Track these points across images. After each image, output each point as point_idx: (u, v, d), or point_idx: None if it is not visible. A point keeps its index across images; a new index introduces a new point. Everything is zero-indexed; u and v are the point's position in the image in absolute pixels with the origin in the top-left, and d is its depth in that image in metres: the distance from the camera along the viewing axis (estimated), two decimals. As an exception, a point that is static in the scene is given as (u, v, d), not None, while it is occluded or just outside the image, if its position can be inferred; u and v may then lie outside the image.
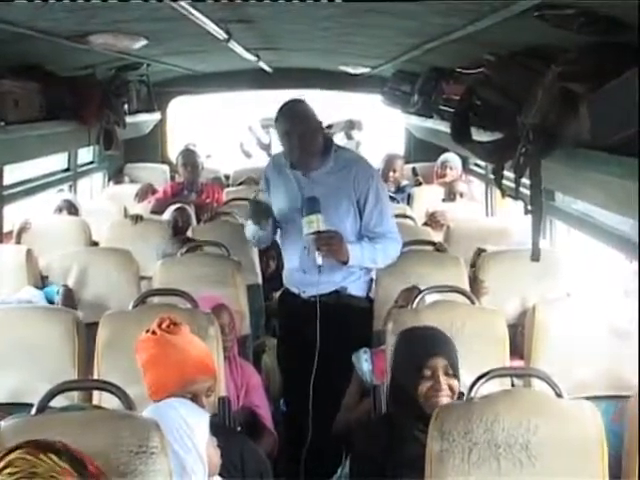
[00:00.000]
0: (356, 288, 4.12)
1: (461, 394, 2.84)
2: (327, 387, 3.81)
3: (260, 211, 4.08)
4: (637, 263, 3.57)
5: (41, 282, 4.62)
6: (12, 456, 1.70)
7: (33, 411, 2.40)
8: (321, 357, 3.85)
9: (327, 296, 4.03)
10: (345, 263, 3.95)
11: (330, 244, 3.86)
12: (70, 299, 4.30)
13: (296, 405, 4.16)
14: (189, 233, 5.26)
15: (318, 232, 3.81)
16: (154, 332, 2.68)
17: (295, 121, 4.00)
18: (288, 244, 4.22)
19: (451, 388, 2.82)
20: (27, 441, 1.76)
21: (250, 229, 4.28)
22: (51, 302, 4.21)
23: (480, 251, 4.47)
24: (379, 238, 4.03)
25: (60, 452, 1.74)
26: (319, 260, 3.84)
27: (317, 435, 3.86)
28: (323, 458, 3.72)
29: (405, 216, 5.66)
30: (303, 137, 3.97)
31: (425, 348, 2.90)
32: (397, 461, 2.69)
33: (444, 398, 2.80)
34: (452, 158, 7.01)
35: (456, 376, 2.84)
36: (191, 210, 5.93)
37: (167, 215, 5.81)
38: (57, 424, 2.21)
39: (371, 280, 4.20)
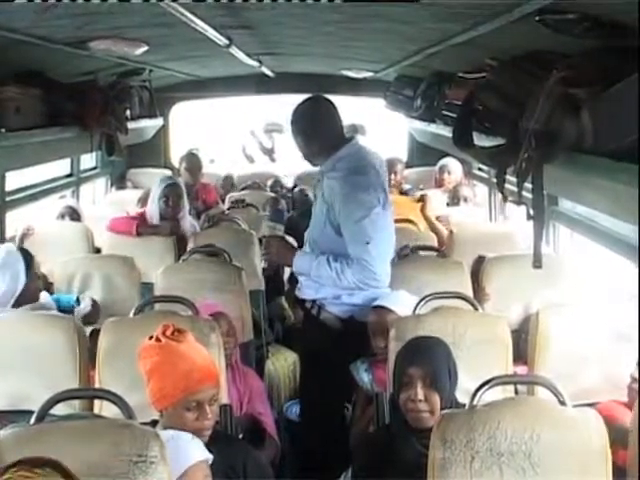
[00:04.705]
0: (334, 306, 3.94)
1: (460, 404, 2.82)
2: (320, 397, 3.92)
3: None
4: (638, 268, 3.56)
5: (44, 289, 4.61)
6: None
7: (32, 420, 2.39)
8: (311, 367, 4.01)
9: (309, 309, 4.00)
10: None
11: (267, 248, 4.08)
12: (97, 313, 4.28)
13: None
14: (191, 241, 5.22)
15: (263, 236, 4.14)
16: (158, 339, 2.64)
17: (292, 121, 3.96)
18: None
19: (429, 401, 2.79)
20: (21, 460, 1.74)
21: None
22: (63, 310, 4.17)
23: (481, 259, 4.44)
24: (348, 260, 3.76)
25: (56, 466, 1.72)
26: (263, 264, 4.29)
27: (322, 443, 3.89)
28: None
29: (408, 221, 5.64)
30: (297, 138, 3.94)
31: (406, 356, 2.90)
32: (397, 471, 2.68)
33: (423, 414, 2.79)
34: (450, 163, 7.02)
35: (437, 389, 2.80)
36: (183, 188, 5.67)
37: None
38: (57, 433, 2.20)
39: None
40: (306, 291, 4.00)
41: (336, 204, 3.79)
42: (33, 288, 3.90)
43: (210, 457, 2.40)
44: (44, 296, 4.14)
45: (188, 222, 5.58)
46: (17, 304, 3.75)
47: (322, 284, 3.87)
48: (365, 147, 3.99)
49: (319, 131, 3.89)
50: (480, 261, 4.41)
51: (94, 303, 4.28)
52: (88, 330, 3.97)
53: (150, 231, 5.32)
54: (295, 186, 8.01)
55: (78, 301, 4.26)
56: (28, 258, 3.90)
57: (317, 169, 4.05)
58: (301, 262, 3.93)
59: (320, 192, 3.96)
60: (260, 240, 5.13)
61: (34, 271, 3.93)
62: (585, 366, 3.30)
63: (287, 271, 5.82)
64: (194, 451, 2.35)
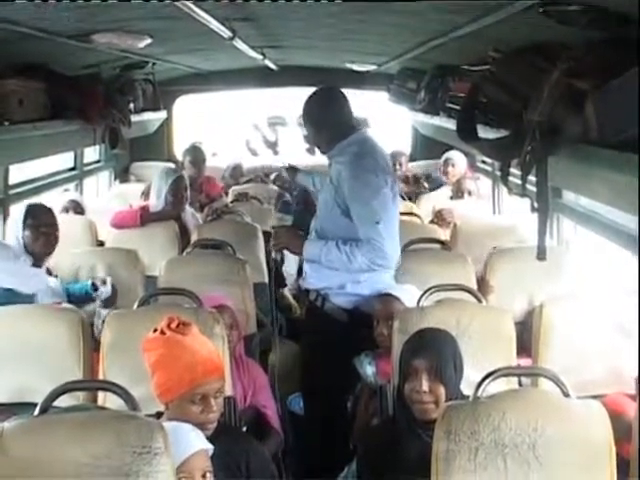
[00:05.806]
0: (339, 297, 3.96)
1: (465, 396, 2.82)
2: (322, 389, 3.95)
3: None
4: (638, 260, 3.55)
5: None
6: None
7: (36, 411, 2.39)
8: (312, 360, 4.00)
9: (314, 300, 4.02)
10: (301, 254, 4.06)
11: (276, 238, 4.08)
12: (116, 296, 4.27)
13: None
14: (194, 234, 5.23)
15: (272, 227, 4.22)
16: (163, 332, 2.63)
17: (303, 110, 4.06)
18: None
19: (434, 392, 2.80)
20: None
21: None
22: (77, 299, 4.18)
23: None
24: (357, 242, 3.77)
25: None
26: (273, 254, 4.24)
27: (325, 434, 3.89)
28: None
29: (412, 214, 5.64)
30: (307, 127, 4.07)
31: (412, 348, 2.90)
32: (401, 463, 2.68)
33: (428, 405, 2.79)
34: (455, 156, 7.02)
35: (442, 381, 2.81)
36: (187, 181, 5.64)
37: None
38: (60, 425, 2.20)
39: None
40: (310, 280, 4.01)
41: (344, 186, 3.82)
42: (34, 243, 4.07)
43: (210, 447, 2.40)
44: (54, 281, 4.15)
45: (190, 214, 5.58)
46: (35, 260, 4.08)
47: (332, 269, 3.87)
48: (373, 137, 4.05)
49: (329, 120, 3.97)
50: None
51: (113, 286, 4.26)
52: (104, 313, 3.99)
53: (154, 217, 5.33)
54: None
55: (94, 286, 4.23)
56: (31, 214, 4.10)
57: (320, 163, 4.09)
58: (311, 248, 3.93)
59: (327, 177, 4.01)
60: (264, 232, 5.14)
61: (37, 227, 4.08)
62: (589, 358, 3.30)
63: (294, 264, 5.83)
64: (194, 441, 2.36)
